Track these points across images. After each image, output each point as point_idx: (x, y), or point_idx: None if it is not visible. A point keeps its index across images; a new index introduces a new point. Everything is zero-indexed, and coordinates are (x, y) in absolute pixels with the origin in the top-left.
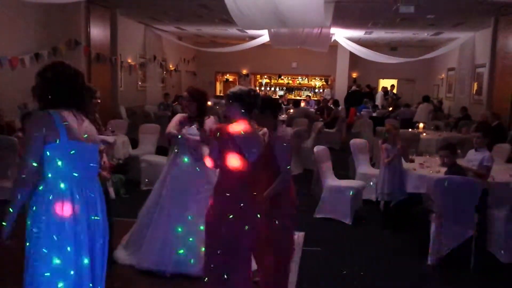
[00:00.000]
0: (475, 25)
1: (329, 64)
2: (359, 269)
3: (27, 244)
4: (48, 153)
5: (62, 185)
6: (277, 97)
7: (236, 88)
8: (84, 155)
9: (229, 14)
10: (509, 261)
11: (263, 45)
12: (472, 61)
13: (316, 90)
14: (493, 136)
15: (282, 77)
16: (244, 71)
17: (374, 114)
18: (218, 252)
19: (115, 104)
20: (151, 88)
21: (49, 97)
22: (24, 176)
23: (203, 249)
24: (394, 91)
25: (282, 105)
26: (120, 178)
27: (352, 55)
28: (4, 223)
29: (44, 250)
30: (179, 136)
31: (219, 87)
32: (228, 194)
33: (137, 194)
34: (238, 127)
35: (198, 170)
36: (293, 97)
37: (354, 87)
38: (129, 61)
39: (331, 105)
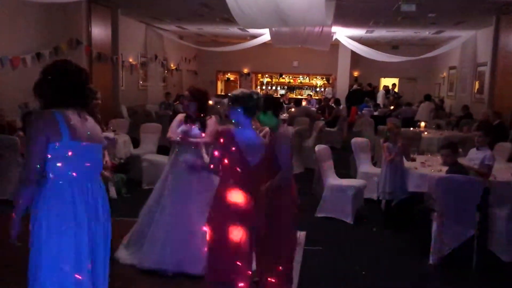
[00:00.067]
0: (476, 24)
1: (331, 63)
2: (361, 268)
3: (31, 246)
4: (50, 153)
5: (63, 186)
6: (278, 96)
7: (238, 90)
8: (87, 156)
9: (230, 13)
10: (511, 260)
11: (264, 44)
12: (473, 59)
13: (318, 89)
14: (495, 135)
15: (283, 76)
16: (245, 70)
17: (376, 113)
18: (219, 252)
19: (116, 103)
20: (152, 88)
21: (53, 96)
22: (27, 176)
23: (204, 248)
24: (396, 89)
25: (283, 104)
26: (122, 178)
27: (354, 54)
28: (12, 225)
29: (46, 251)
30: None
31: (220, 86)
32: (229, 195)
33: (139, 193)
34: (240, 130)
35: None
36: (294, 96)
37: (355, 86)
38: (131, 60)
39: (333, 104)
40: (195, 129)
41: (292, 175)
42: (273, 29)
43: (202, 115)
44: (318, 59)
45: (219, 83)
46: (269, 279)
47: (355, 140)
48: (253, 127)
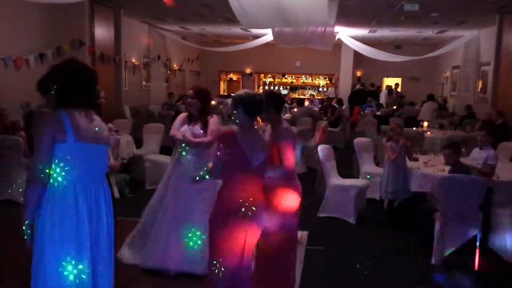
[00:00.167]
0: (479, 23)
1: (333, 63)
2: (363, 268)
3: (34, 245)
4: (55, 153)
5: (67, 186)
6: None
7: (242, 91)
8: (92, 156)
9: (233, 13)
10: None
11: (267, 44)
12: (476, 59)
13: (320, 89)
14: (498, 134)
15: (286, 76)
16: (248, 70)
17: (378, 113)
18: (221, 251)
19: (119, 103)
20: (155, 88)
21: (61, 95)
22: (34, 176)
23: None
24: (399, 89)
25: (286, 104)
26: (124, 178)
27: (356, 54)
28: (23, 227)
29: (49, 249)
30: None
31: (223, 86)
32: (231, 195)
33: (141, 193)
34: (243, 131)
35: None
36: (297, 96)
37: (358, 86)
38: (133, 60)
39: (335, 104)
40: (197, 128)
41: (295, 174)
42: (276, 29)
43: (204, 114)
44: (320, 59)
45: (221, 83)
46: (270, 277)
47: (358, 140)
48: (256, 126)
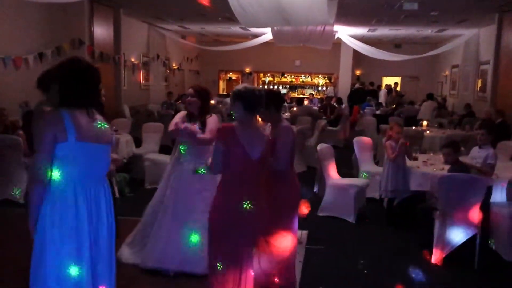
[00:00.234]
0: (479, 22)
1: (333, 62)
2: (363, 267)
3: (34, 244)
4: (56, 152)
5: (67, 186)
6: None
7: (241, 86)
8: (93, 156)
9: (232, 12)
10: None
11: (266, 43)
12: (476, 58)
13: (320, 88)
14: (497, 133)
15: (285, 75)
16: (247, 70)
17: (378, 112)
18: (221, 248)
19: (118, 103)
20: (154, 87)
21: (62, 95)
22: (36, 176)
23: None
24: (398, 88)
25: (285, 103)
26: (124, 177)
27: (356, 53)
28: (30, 226)
29: (49, 249)
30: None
31: (222, 85)
32: (231, 191)
33: (141, 192)
34: (241, 125)
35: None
36: (296, 95)
37: (357, 85)
38: (133, 60)
39: (335, 103)
40: (195, 127)
41: (295, 173)
42: (275, 28)
43: (204, 113)
44: (320, 58)
45: (221, 83)
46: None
47: (357, 139)
48: (256, 124)
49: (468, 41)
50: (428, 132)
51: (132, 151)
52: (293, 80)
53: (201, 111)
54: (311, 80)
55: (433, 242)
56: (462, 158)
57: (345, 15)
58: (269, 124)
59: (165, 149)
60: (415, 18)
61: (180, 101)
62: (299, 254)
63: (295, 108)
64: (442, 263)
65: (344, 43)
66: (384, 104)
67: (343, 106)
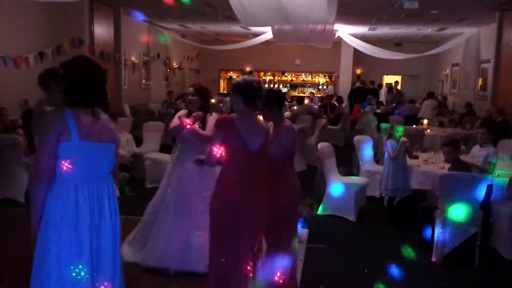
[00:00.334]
0: (479, 21)
1: (333, 60)
2: (363, 266)
3: (37, 244)
4: (58, 152)
5: (69, 185)
6: None
7: (240, 78)
8: (96, 155)
9: (233, 11)
10: None
11: (267, 42)
12: (476, 56)
13: (320, 87)
14: (498, 132)
15: (286, 74)
16: (248, 69)
17: (378, 111)
18: (222, 244)
19: (119, 102)
20: (154, 86)
21: (66, 94)
22: (38, 175)
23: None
24: (398, 87)
25: (286, 102)
26: (125, 176)
27: (356, 52)
28: (33, 226)
29: (52, 248)
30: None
31: (222, 84)
32: (230, 185)
33: (142, 192)
34: (240, 116)
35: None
36: (296, 94)
37: (358, 84)
38: (133, 59)
39: (335, 102)
40: (195, 126)
41: (295, 172)
42: (276, 27)
43: (204, 112)
44: (320, 57)
45: (221, 82)
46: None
47: (358, 138)
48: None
49: (468, 40)
50: (428, 130)
51: (132, 150)
52: (294, 79)
53: (201, 110)
54: (312, 79)
55: (433, 241)
56: (463, 157)
57: (346, 14)
58: (271, 122)
59: (165, 148)
60: (415, 17)
61: (180, 100)
62: (299, 253)
63: (295, 107)
64: (443, 262)
65: (345, 42)
66: (384, 103)
67: (344, 105)
